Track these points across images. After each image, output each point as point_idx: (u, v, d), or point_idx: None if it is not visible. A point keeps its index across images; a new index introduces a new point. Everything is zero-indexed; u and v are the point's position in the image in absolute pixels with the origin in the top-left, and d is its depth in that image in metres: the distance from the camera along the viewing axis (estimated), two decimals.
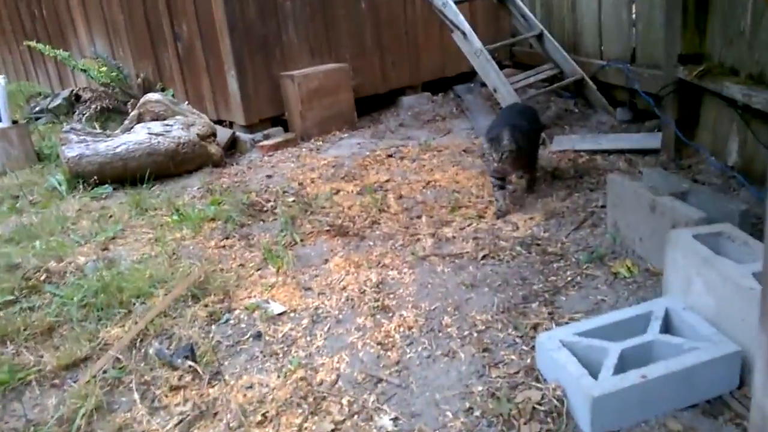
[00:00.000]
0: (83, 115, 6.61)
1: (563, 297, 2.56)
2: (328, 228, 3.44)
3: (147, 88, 6.50)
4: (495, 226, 3.26)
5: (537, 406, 1.95)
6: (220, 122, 5.64)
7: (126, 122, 5.20)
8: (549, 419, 1.91)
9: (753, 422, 0.75)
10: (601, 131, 4.66)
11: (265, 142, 5.24)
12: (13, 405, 2.30)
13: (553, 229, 3.16)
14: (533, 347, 2.21)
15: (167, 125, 4.90)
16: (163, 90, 6.26)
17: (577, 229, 3.11)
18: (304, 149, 5.14)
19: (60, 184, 4.70)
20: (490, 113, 5.41)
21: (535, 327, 2.37)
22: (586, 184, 3.66)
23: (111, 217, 4.03)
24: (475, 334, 2.39)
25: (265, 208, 3.85)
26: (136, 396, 2.28)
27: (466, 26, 5.02)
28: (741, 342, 1.93)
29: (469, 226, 3.32)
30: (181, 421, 2.14)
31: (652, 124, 4.47)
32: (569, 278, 2.68)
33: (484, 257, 2.95)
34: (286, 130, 5.52)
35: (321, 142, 5.29)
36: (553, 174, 3.85)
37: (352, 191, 4.01)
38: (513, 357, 2.23)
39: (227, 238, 3.49)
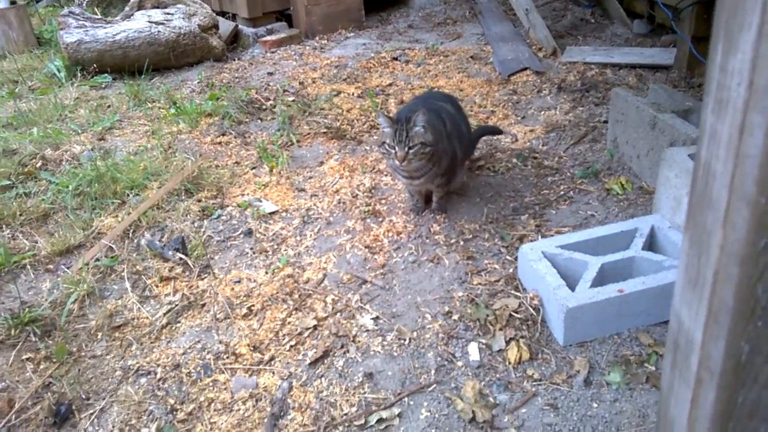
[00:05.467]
0: None
1: (553, 211, 2.56)
2: (325, 130, 3.40)
3: None
4: (494, 136, 3.21)
5: (513, 314, 1.99)
6: (222, 14, 5.46)
7: (126, 9, 5.03)
8: (524, 327, 1.96)
9: (671, 329, 0.76)
10: (614, 44, 4.49)
11: (269, 38, 5.09)
12: (8, 287, 2.37)
13: (552, 143, 3.12)
14: (517, 258, 2.24)
15: (168, 14, 4.75)
16: None
17: (577, 144, 3.07)
18: (307, 47, 5.00)
19: (59, 71, 4.63)
20: (503, 19, 5.21)
21: (521, 238, 2.39)
22: (592, 98, 3.57)
23: (109, 107, 3.99)
24: (462, 243, 2.41)
25: (263, 107, 3.80)
26: (128, 285, 2.35)
27: None
28: None
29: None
30: (169, 311, 2.21)
31: (668, 39, 4.30)
32: (562, 192, 2.67)
33: (479, 167, 2.93)
34: (291, 25, 5.36)
35: (326, 41, 5.14)
36: (559, 86, 3.75)
37: (353, 94, 3.93)
38: (496, 266, 2.26)
39: (224, 135, 3.46)
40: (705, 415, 0.70)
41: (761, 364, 0.65)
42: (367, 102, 3.72)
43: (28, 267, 2.47)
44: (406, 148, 2.26)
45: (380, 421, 1.75)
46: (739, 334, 0.65)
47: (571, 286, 1.93)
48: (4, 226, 2.71)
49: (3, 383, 1.92)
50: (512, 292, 2.10)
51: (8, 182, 3.01)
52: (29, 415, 1.82)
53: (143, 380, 1.94)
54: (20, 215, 2.75)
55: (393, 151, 2.29)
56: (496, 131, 3.06)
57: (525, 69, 4.06)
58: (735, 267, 0.63)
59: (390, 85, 4.05)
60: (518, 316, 1.99)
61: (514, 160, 2.96)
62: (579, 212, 2.54)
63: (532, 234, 2.41)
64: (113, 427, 1.79)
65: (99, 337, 2.12)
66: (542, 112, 3.47)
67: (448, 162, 2.44)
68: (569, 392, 1.78)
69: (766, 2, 0.55)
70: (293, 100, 3.82)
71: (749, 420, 0.67)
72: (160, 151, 3.23)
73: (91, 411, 1.84)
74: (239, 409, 1.82)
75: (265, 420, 1.78)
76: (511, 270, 2.22)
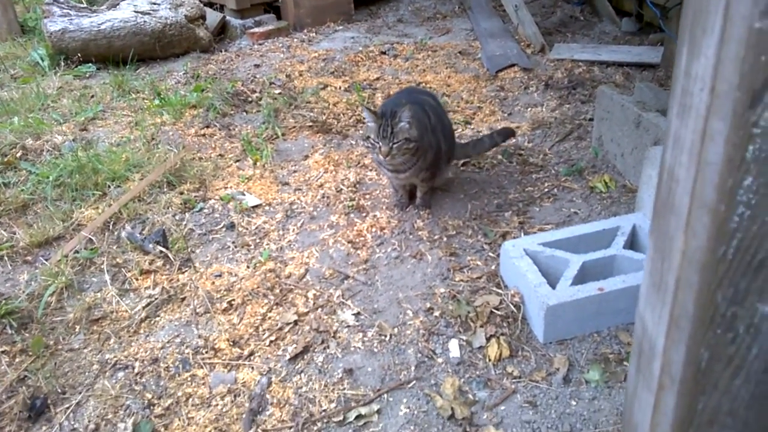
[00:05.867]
0: None
1: (537, 208, 2.56)
2: (311, 124, 3.38)
3: None
4: (480, 133, 3.20)
5: (494, 311, 1.99)
6: (210, 5, 5.41)
7: None
8: (504, 324, 1.96)
9: (635, 333, 0.76)
10: (603, 42, 4.50)
11: (256, 30, 5.05)
12: None
13: (537, 140, 3.11)
14: (499, 255, 2.23)
15: (154, 3, 4.70)
16: None
17: (562, 141, 3.07)
18: (295, 40, 4.96)
19: (42, 60, 4.56)
20: (492, 15, 5.20)
21: (504, 235, 2.38)
22: (579, 96, 3.57)
23: (92, 97, 3.94)
24: (445, 239, 2.40)
25: (249, 99, 3.77)
26: (107, 277, 2.32)
27: None
28: None
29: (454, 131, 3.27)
30: (149, 304, 2.18)
31: (656, 38, 4.31)
32: (546, 190, 2.67)
33: (464, 164, 2.92)
34: (279, 17, 5.32)
35: (314, 34, 5.10)
36: (546, 83, 3.75)
37: (340, 87, 3.91)
38: (478, 263, 2.26)
39: (208, 127, 3.43)
40: (666, 420, 0.70)
41: (721, 371, 0.64)
42: (354, 96, 3.70)
43: (6, 258, 2.43)
44: (390, 144, 2.24)
45: (359, 417, 1.74)
46: (699, 341, 0.64)
47: (553, 284, 1.93)
48: None
49: None
50: (494, 289, 2.09)
51: None
52: (3, 409, 1.79)
53: (121, 374, 1.92)
54: None
55: (377, 146, 2.27)
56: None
57: (513, 65, 4.05)
58: (695, 274, 0.63)
59: (377, 79, 4.03)
60: (499, 313, 1.99)
61: (500, 157, 2.95)
62: (562, 210, 2.53)
63: (515, 231, 2.41)
64: (89, 421, 1.77)
65: (77, 330, 2.10)
66: (529, 109, 3.46)
67: (433, 156, 2.43)
68: (548, 390, 1.78)
69: (728, 7, 0.54)
70: (279, 93, 3.79)
71: (709, 427, 0.67)
72: (142, 143, 3.20)
73: (67, 405, 1.82)
74: (217, 405, 1.81)
75: (243, 416, 1.76)
76: (493, 267, 2.22)
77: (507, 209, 2.55)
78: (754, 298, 0.61)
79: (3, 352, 2.00)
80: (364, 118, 2.36)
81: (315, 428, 1.71)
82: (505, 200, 2.62)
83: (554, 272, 2.01)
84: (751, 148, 0.56)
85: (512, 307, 1.99)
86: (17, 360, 1.98)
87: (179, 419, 1.77)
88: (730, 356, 0.64)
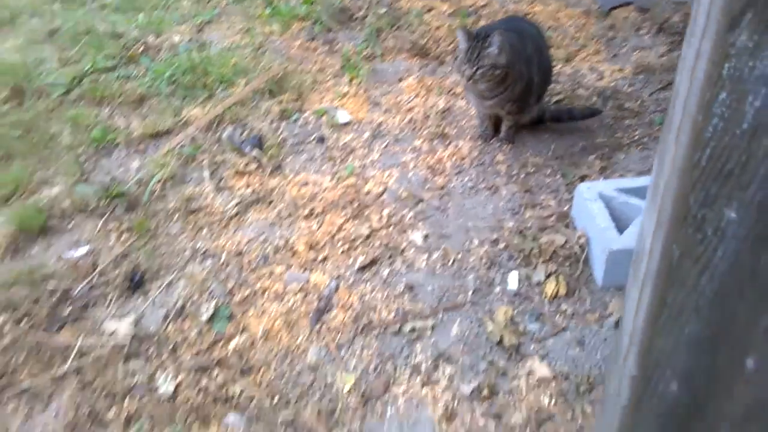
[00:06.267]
0: None
1: (622, 155, 2.53)
2: (410, 46, 3.41)
3: None
4: (579, 72, 3.13)
5: (558, 250, 2.05)
6: None
7: None
8: (566, 263, 2.02)
9: (637, 239, 0.85)
10: None
11: None
12: (102, 161, 2.62)
13: (638, 85, 3.01)
14: (574, 196, 2.26)
15: None
16: None
17: (663, 90, 2.95)
18: None
19: None
20: None
21: (582, 178, 2.39)
22: None
23: (210, 1, 4.12)
24: (523, 175, 2.44)
25: (355, 16, 3.82)
26: (206, 173, 2.54)
27: None
28: None
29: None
30: (240, 203, 2.39)
31: None
32: (636, 137, 2.62)
33: (557, 102, 2.89)
34: None
35: None
36: (660, 26, 3.55)
37: (445, 12, 3.87)
38: (551, 202, 2.29)
39: (312, 40, 3.54)
40: (643, 310, 0.80)
41: (689, 267, 0.72)
42: (458, 21, 3.67)
43: (122, 145, 2.71)
44: (475, 67, 2.26)
45: (413, 330, 1.88)
46: (673, 239, 0.73)
47: (621, 230, 1.95)
48: (104, 104, 2.95)
49: (90, 246, 2.19)
50: (562, 228, 2.14)
51: (112, 63, 3.24)
52: (108, 278, 2.08)
53: (208, 262, 2.16)
54: (119, 96, 2.97)
55: (463, 68, 2.29)
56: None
57: (628, 4, 3.85)
58: (676, 178, 0.70)
59: (484, 6, 3.96)
60: (563, 252, 2.04)
61: (595, 99, 2.90)
62: (649, 159, 2.49)
63: (596, 175, 2.41)
64: (178, 299, 2.02)
65: (175, 218, 2.35)
66: (636, 52, 3.32)
67: (523, 87, 2.41)
68: (598, 332, 1.85)
69: None
70: (385, 12, 3.82)
71: (677, 320, 0.76)
72: (251, 50, 3.36)
73: (161, 283, 2.08)
74: (289, 300, 2.00)
75: (311, 313, 1.95)
76: (565, 208, 2.25)
77: (591, 152, 2.54)
78: (722, 202, 0.68)
79: (112, 228, 2.28)
80: (457, 39, 2.38)
81: (372, 333, 1.88)
82: (591, 143, 2.60)
83: (626, 219, 2.02)
84: (727, 66, 0.62)
85: (577, 248, 2.03)
86: (123, 237, 2.25)
87: (254, 308, 1.98)
88: (698, 255, 0.71)
